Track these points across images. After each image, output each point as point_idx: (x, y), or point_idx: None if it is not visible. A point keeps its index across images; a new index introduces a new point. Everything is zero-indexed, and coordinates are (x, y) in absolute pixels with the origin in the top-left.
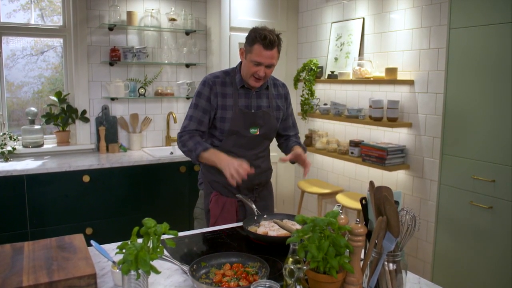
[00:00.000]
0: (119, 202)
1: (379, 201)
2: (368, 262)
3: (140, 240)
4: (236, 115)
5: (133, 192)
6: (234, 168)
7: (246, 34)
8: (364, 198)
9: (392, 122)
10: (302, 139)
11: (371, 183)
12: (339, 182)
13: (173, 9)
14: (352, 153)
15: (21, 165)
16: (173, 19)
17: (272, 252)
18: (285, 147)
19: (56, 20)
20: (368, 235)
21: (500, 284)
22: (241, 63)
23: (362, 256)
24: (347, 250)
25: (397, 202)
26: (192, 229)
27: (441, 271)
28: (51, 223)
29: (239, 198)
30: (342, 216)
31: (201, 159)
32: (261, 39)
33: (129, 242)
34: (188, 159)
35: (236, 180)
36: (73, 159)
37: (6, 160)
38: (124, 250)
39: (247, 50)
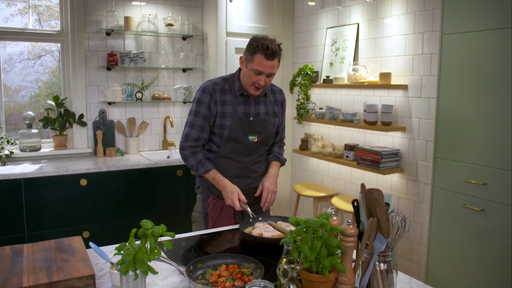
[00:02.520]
0: (116, 205)
1: (370, 203)
2: (360, 262)
3: (138, 242)
4: (235, 122)
5: (130, 196)
6: (231, 200)
7: (242, 39)
8: (356, 200)
9: (386, 126)
10: (298, 143)
11: (363, 185)
12: (334, 186)
13: (170, 14)
14: (347, 156)
15: (18, 169)
16: (170, 24)
17: (267, 253)
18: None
19: (53, 25)
20: (360, 236)
21: (494, 285)
22: (239, 70)
23: (354, 256)
24: (339, 250)
25: (387, 204)
26: (190, 232)
27: (435, 273)
28: (48, 227)
29: None
30: (334, 218)
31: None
32: (263, 49)
33: (127, 244)
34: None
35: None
36: (70, 163)
37: (4, 164)
38: (122, 251)
39: (248, 59)
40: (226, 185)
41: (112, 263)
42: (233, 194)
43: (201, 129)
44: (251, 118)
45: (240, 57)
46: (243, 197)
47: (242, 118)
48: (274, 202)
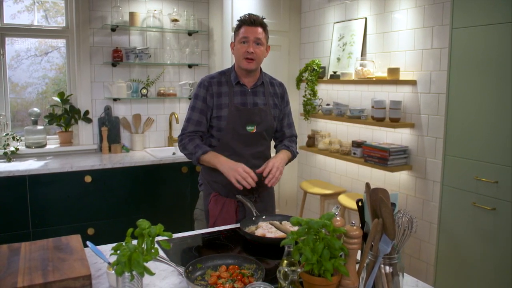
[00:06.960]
0: (121, 202)
1: (375, 203)
2: (364, 265)
3: (135, 242)
4: (231, 112)
5: (135, 193)
6: (239, 174)
7: None
8: (361, 199)
9: (395, 122)
10: (305, 140)
11: (367, 184)
12: (341, 183)
13: (175, 9)
14: (354, 153)
15: (23, 166)
16: (176, 20)
17: (270, 254)
18: (276, 152)
19: (60, 21)
20: (365, 237)
21: (503, 285)
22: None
23: (358, 258)
24: (343, 252)
25: (393, 204)
26: (193, 230)
27: (444, 273)
28: (53, 224)
29: (239, 198)
30: (338, 218)
31: (201, 162)
32: (243, 19)
33: (124, 243)
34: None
35: (243, 184)
36: (76, 159)
37: (9, 160)
38: (118, 251)
39: (235, 36)
40: (228, 160)
41: (109, 263)
42: (238, 166)
43: (197, 123)
44: (248, 107)
45: (231, 43)
46: (249, 169)
47: (239, 108)
48: (280, 200)
